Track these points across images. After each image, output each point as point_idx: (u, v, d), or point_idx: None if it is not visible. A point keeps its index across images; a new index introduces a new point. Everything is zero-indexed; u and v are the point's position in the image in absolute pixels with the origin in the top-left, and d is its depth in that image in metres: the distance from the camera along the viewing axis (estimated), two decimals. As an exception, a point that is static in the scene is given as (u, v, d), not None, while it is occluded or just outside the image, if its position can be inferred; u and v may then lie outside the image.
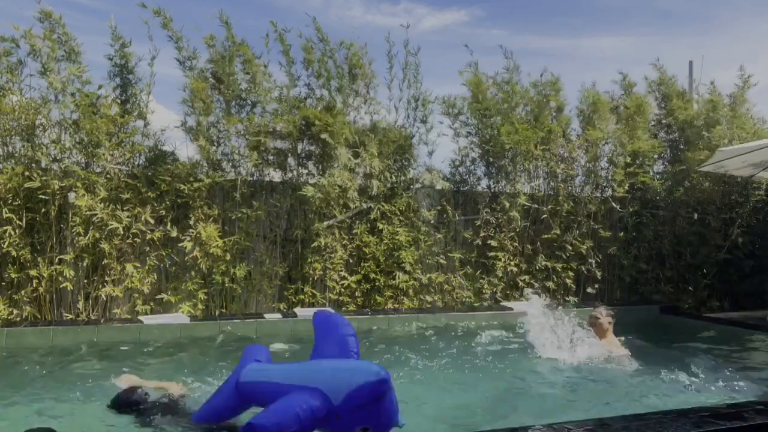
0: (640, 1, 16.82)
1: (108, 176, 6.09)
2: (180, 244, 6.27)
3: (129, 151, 6.26)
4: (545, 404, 3.92)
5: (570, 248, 7.70)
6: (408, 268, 7.08)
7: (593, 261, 7.81)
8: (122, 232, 5.96)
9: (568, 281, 7.72)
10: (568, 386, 4.33)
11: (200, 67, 6.57)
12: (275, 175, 7.00)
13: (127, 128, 6.28)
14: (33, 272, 5.80)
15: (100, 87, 6.14)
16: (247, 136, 6.62)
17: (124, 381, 3.79)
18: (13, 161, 5.88)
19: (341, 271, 6.95)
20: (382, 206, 7.13)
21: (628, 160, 7.87)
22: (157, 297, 6.26)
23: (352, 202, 6.92)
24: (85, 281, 6.13)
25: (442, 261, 7.50)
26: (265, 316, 6.05)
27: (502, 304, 7.20)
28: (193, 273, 6.36)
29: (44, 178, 5.79)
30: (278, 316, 6.08)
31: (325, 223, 6.76)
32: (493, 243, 7.52)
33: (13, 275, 5.76)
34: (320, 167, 7.00)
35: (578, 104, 8.08)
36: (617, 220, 8.08)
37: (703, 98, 8.38)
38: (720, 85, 8.51)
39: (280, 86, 6.90)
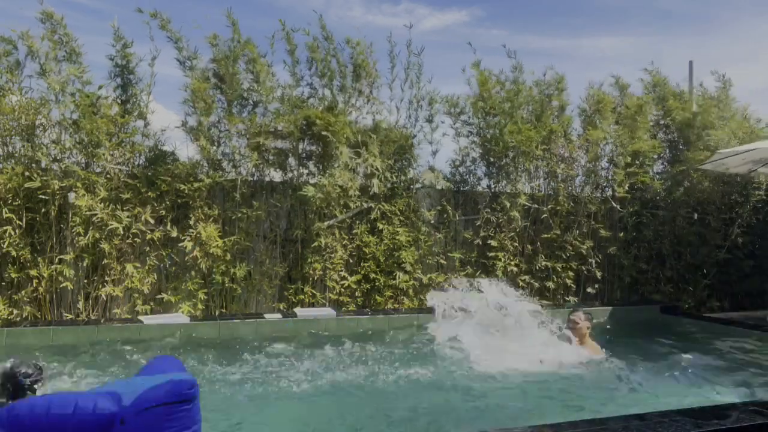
0: (640, 1, 16.84)
1: (108, 176, 6.09)
2: (180, 244, 6.27)
3: (129, 151, 6.26)
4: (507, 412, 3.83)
5: (570, 248, 7.70)
6: (408, 268, 7.08)
7: (593, 261, 7.81)
8: (122, 232, 5.96)
9: (568, 281, 7.72)
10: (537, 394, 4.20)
11: (201, 66, 6.57)
12: (276, 175, 7.00)
13: (127, 128, 6.28)
14: (33, 272, 5.81)
15: (100, 87, 6.14)
16: (248, 136, 6.62)
17: None
18: (13, 161, 5.88)
19: (341, 271, 6.94)
20: (383, 206, 7.13)
21: (629, 160, 7.87)
22: (157, 297, 6.26)
23: (352, 201, 6.92)
24: (85, 281, 6.13)
25: (442, 261, 7.50)
26: (265, 316, 6.06)
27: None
28: (193, 273, 6.36)
29: (44, 178, 5.79)
30: (278, 316, 6.08)
31: (326, 223, 6.76)
32: (493, 243, 7.51)
33: (13, 275, 5.76)
34: (321, 167, 7.00)
35: (580, 104, 8.11)
36: (617, 220, 8.08)
37: (701, 98, 8.39)
38: (720, 85, 8.51)
39: (283, 86, 6.90)
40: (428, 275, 7.32)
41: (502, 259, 7.49)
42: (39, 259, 5.87)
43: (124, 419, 2.15)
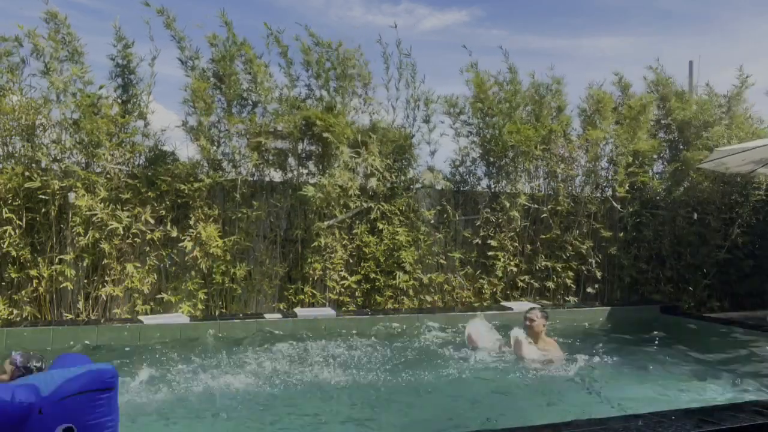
0: (640, 1, 16.85)
1: (108, 176, 6.10)
2: (180, 244, 6.27)
3: (129, 151, 6.26)
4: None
5: (570, 248, 7.70)
6: (408, 268, 7.08)
7: (593, 261, 7.80)
8: (122, 232, 5.96)
9: (568, 281, 7.72)
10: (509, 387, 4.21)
11: (202, 66, 6.58)
12: (276, 175, 7.00)
13: (127, 128, 6.28)
14: (33, 272, 5.81)
15: (101, 87, 6.15)
16: (247, 136, 6.62)
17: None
18: (13, 161, 5.88)
19: (341, 271, 6.95)
20: (382, 206, 7.13)
21: (630, 160, 7.87)
22: (157, 297, 6.27)
23: (352, 201, 6.93)
24: (85, 281, 6.13)
25: (442, 261, 7.50)
26: (265, 316, 6.05)
27: (502, 304, 7.19)
28: (193, 273, 6.36)
29: (44, 178, 5.79)
30: (278, 316, 6.08)
31: (326, 223, 6.76)
32: (493, 243, 7.52)
33: (13, 275, 5.76)
34: (321, 167, 7.01)
35: (580, 103, 8.11)
36: (617, 220, 8.08)
37: (702, 98, 8.38)
38: (719, 85, 8.53)
39: (281, 86, 6.91)
40: (428, 275, 7.33)
41: (502, 259, 7.49)
42: (39, 259, 5.87)
43: (42, 409, 2.16)
